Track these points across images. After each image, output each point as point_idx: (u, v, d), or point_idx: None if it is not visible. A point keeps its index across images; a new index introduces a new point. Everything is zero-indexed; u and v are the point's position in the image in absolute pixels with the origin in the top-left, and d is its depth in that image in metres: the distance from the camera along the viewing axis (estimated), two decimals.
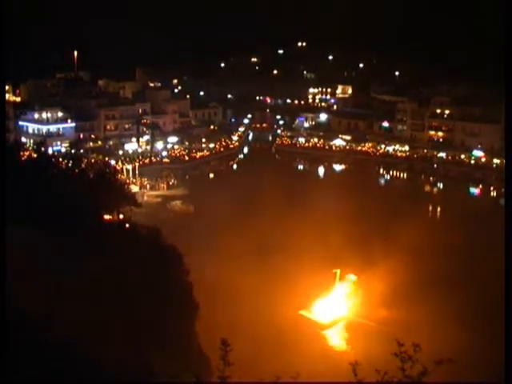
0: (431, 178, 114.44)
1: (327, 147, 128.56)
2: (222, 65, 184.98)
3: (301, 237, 65.42)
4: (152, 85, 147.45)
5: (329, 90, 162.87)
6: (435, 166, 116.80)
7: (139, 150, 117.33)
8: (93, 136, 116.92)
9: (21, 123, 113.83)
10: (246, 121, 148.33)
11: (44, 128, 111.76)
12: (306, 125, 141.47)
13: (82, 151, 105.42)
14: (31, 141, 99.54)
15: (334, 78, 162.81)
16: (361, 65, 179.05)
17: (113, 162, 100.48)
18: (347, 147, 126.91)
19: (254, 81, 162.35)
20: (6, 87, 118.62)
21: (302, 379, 10.17)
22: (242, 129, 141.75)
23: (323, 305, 57.60)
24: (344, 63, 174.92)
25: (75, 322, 22.56)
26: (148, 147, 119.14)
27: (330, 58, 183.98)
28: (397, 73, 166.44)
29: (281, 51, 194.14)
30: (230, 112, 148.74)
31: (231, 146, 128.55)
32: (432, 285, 57.13)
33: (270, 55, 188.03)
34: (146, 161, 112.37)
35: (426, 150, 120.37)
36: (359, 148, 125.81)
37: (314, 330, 55.05)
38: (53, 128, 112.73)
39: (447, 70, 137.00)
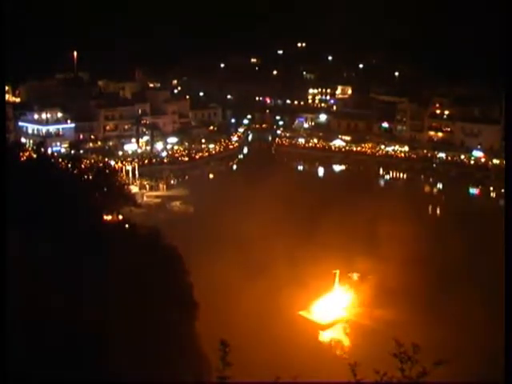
0: (431, 179, 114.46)
1: (327, 148, 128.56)
2: (222, 65, 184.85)
3: (298, 235, 65.42)
4: (152, 85, 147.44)
5: (328, 90, 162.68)
6: (435, 166, 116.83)
7: (139, 151, 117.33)
8: (92, 136, 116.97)
9: (20, 124, 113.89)
10: (245, 121, 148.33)
11: (44, 128, 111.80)
12: (306, 125, 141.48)
13: (81, 152, 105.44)
14: (31, 141, 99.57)
15: (333, 79, 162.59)
16: (360, 65, 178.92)
17: (112, 163, 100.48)
18: (347, 148, 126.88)
19: (254, 81, 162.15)
20: (6, 88, 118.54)
21: (302, 379, 10.19)
22: (241, 129, 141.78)
23: (323, 305, 57.63)
24: (344, 64, 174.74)
25: (74, 322, 22.57)
26: (148, 148, 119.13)
27: (330, 58, 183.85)
28: (396, 73, 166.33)
29: (280, 51, 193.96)
30: (229, 112, 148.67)
31: (231, 147, 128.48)
32: (432, 286, 57.19)
33: (270, 55, 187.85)
34: (146, 161, 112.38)
35: (425, 151, 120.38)
36: (359, 148, 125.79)
37: (314, 330, 55.07)
38: (52, 128, 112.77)
39: (447, 70, 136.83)
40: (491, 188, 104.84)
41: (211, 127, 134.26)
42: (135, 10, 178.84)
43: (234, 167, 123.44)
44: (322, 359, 47.42)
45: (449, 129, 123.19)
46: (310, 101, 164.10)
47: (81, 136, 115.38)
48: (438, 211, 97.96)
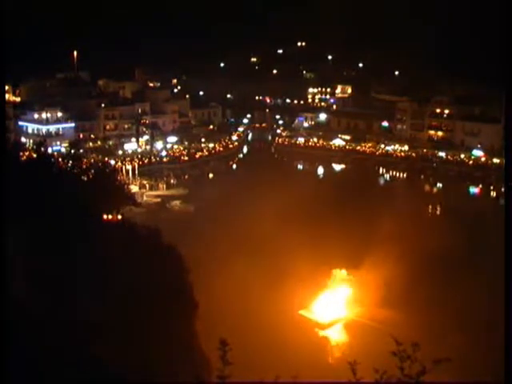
0: (431, 178, 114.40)
1: (327, 147, 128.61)
2: (222, 65, 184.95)
3: (297, 233, 65.34)
4: (151, 85, 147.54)
5: (328, 89, 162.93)
6: (435, 165, 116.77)
7: (139, 150, 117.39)
8: (92, 136, 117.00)
9: (21, 123, 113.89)
10: (245, 120, 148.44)
11: (44, 128, 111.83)
12: (306, 124, 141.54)
13: (81, 151, 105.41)
14: (31, 141, 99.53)
15: (333, 78, 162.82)
16: (361, 65, 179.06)
17: (112, 162, 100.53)
18: (347, 147, 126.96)
19: (254, 81, 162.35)
20: (6, 87, 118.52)
21: (302, 379, 10.17)
22: (241, 129, 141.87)
23: (323, 304, 57.59)
24: (344, 63, 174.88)
25: (75, 321, 22.58)
26: (147, 147, 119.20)
27: (330, 57, 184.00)
28: (397, 72, 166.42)
29: (281, 51, 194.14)
30: (229, 112, 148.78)
31: (231, 146, 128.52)
32: (433, 285, 57.15)
33: (270, 55, 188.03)
34: (146, 161, 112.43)
35: (425, 150, 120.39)
36: (359, 148, 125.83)
37: (314, 329, 55.05)
38: (52, 128, 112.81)
39: (447, 69, 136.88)
40: (491, 187, 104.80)
41: (211, 126, 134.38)
42: (135, 9, 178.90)
43: (234, 166, 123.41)
44: (321, 358, 47.42)
45: (449, 128, 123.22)
46: (309, 100, 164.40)
47: (81, 135, 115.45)
48: (438, 210, 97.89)
